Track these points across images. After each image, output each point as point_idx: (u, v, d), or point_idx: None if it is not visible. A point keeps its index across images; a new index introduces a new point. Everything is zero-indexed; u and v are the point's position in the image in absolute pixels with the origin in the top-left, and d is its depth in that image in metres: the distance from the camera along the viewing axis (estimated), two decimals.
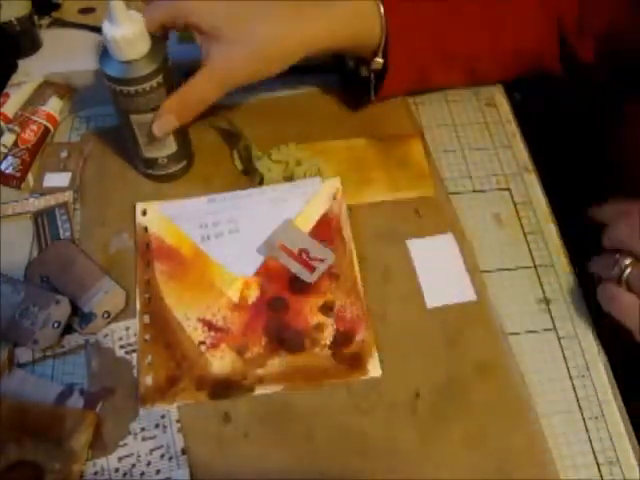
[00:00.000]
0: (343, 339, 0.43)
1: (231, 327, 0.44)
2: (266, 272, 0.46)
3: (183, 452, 0.39)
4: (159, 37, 0.45)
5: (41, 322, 0.42)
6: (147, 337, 0.43)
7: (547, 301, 0.46)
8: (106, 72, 0.43)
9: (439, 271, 0.46)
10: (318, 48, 0.45)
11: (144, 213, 0.49)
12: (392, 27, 0.46)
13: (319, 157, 0.52)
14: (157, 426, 0.40)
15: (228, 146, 0.54)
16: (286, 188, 0.50)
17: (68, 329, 0.43)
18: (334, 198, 0.50)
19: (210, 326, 0.44)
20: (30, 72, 0.60)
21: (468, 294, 0.45)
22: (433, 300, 0.45)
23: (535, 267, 0.48)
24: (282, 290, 0.45)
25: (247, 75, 0.44)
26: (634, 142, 0.50)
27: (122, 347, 0.43)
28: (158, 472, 0.38)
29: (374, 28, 0.46)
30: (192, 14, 0.42)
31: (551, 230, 0.50)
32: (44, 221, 0.49)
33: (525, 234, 0.49)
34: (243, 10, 0.43)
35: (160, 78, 0.44)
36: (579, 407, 0.41)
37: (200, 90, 0.43)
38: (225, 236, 0.48)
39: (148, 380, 0.41)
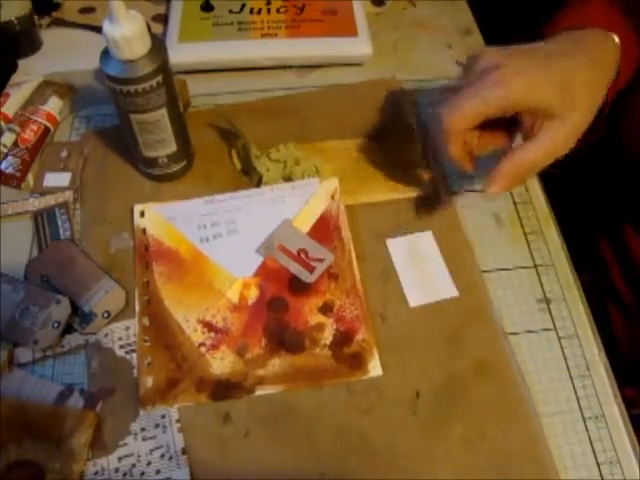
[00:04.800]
0: (343, 339, 0.43)
1: (231, 328, 0.44)
2: (265, 273, 0.46)
3: (183, 452, 0.39)
4: (159, 37, 0.45)
5: (41, 322, 0.42)
6: (146, 339, 0.43)
7: (547, 301, 0.46)
8: (106, 72, 0.43)
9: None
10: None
11: (142, 214, 0.49)
12: None
13: (318, 157, 0.52)
14: (157, 426, 0.40)
15: (227, 145, 0.54)
16: (284, 188, 0.50)
17: (68, 329, 0.43)
18: (332, 198, 0.50)
19: (210, 327, 0.44)
20: (30, 72, 0.60)
21: (457, 291, 0.45)
22: (423, 298, 0.45)
23: (535, 267, 0.48)
24: (282, 290, 0.45)
25: (568, 149, 0.43)
26: (636, 141, 0.50)
27: (122, 347, 0.43)
28: (158, 472, 0.38)
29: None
30: (526, 102, 0.41)
31: (551, 230, 0.50)
32: (44, 221, 0.49)
33: (525, 234, 0.49)
34: (566, 87, 0.41)
35: (160, 78, 0.44)
36: (579, 407, 0.41)
37: (532, 160, 0.43)
38: (224, 237, 0.48)
39: (148, 382, 0.41)
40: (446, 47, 0.63)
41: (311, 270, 0.46)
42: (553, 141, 0.42)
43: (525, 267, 0.48)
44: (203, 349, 0.43)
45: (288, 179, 0.51)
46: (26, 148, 0.53)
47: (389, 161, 0.53)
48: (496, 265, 0.48)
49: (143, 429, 0.40)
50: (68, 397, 0.41)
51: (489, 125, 0.42)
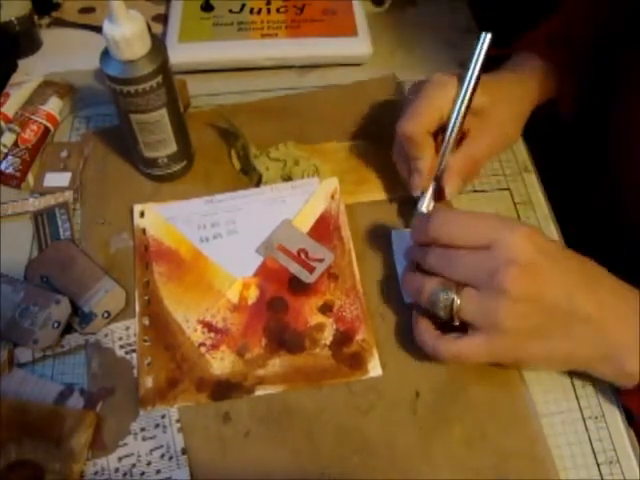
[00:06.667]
0: (343, 339, 0.43)
1: (231, 328, 0.44)
2: (265, 273, 0.46)
3: (183, 452, 0.39)
4: (159, 37, 0.45)
5: (41, 322, 0.42)
6: (146, 339, 0.43)
7: None
8: (106, 72, 0.43)
9: None
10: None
11: (142, 215, 0.49)
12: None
13: (318, 157, 0.52)
14: (157, 426, 0.40)
15: (227, 145, 0.54)
16: (284, 188, 0.50)
17: (68, 329, 0.43)
18: (332, 198, 0.50)
19: (210, 327, 0.44)
20: (30, 72, 0.60)
21: None
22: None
23: None
24: (281, 290, 0.45)
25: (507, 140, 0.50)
26: (634, 140, 0.50)
27: (122, 347, 0.43)
28: (158, 472, 0.38)
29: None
30: None
31: (551, 230, 0.50)
32: (44, 221, 0.49)
33: None
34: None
35: (160, 78, 0.44)
36: (579, 407, 0.41)
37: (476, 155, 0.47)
38: (224, 237, 0.48)
39: (148, 382, 0.41)
40: (446, 47, 0.63)
41: (311, 270, 0.46)
42: (489, 134, 0.47)
43: None
44: (203, 349, 0.43)
45: (288, 178, 0.51)
46: (26, 148, 0.53)
47: (389, 161, 0.52)
48: None
49: (143, 429, 0.40)
50: (68, 397, 0.41)
51: None
